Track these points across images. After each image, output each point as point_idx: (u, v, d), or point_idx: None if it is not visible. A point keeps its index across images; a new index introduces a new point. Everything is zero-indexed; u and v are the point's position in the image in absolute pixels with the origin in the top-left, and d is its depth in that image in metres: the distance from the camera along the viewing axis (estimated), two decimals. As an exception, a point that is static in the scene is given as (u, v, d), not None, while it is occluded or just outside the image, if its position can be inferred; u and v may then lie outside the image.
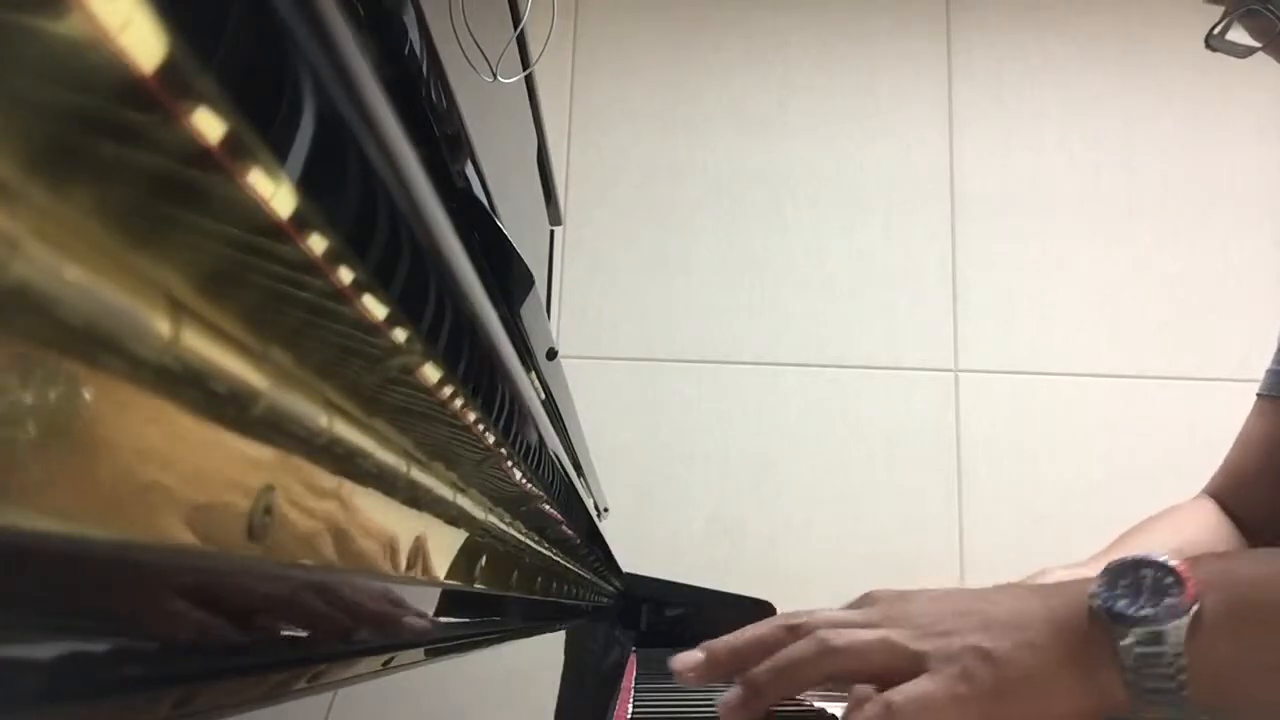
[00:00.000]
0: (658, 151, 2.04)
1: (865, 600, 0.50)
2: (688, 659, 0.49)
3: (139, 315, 0.14)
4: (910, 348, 1.99)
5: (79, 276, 0.12)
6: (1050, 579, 0.43)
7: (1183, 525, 0.82)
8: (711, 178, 2.04)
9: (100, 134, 0.12)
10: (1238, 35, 0.69)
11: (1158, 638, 0.41)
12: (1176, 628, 0.41)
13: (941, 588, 0.50)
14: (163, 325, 0.15)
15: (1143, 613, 0.42)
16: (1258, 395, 0.84)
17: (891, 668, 0.45)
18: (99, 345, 0.13)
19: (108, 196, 0.13)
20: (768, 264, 2.00)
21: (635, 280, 1.98)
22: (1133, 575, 0.43)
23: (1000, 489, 1.93)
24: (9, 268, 0.11)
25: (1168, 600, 0.42)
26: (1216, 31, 0.69)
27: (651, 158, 2.04)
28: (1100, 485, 1.91)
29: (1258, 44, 0.68)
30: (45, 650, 0.14)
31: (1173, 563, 0.43)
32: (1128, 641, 0.41)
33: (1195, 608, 0.41)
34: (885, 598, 0.50)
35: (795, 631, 0.47)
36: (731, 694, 0.47)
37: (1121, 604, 0.42)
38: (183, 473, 0.17)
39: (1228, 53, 0.69)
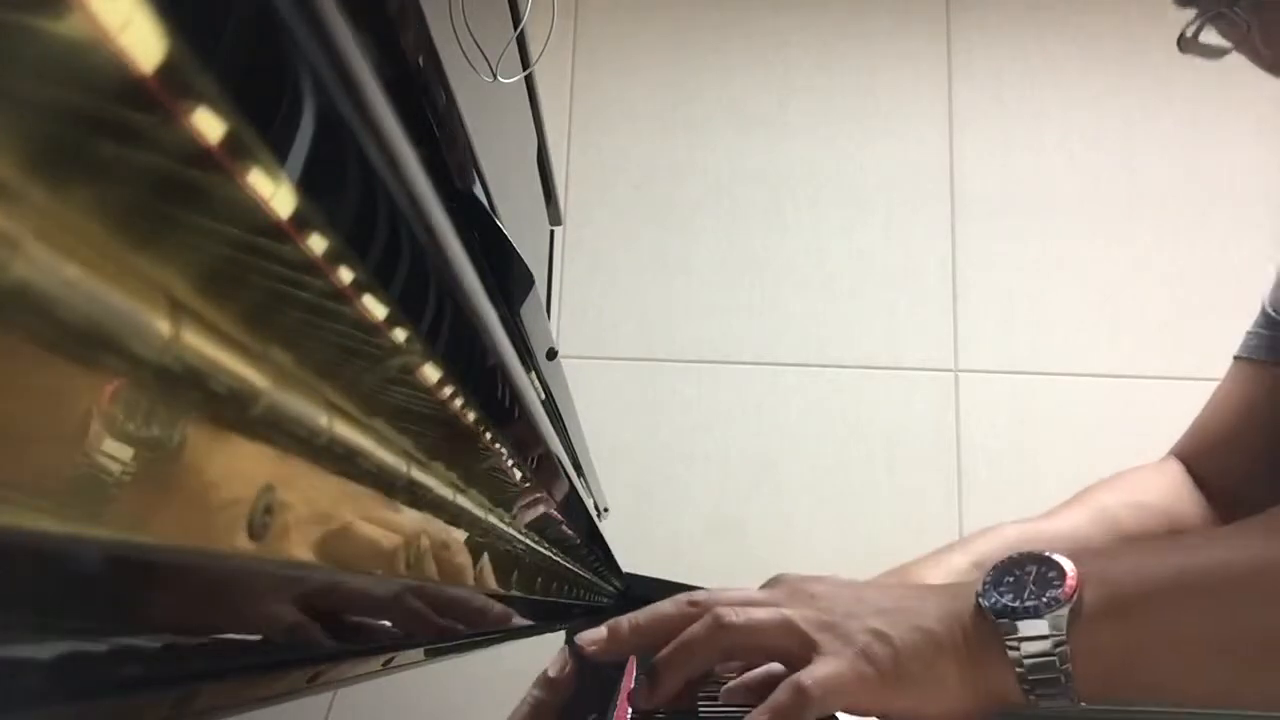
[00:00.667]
0: (658, 151, 2.04)
1: (773, 582, 0.51)
2: (591, 634, 0.50)
3: (139, 315, 0.14)
4: (910, 348, 1.99)
5: (79, 276, 0.12)
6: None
7: (1144, 487, 0.82)
8: (711, 178, 2.03)
9: (100, 134, 0.12)
10: (1209, 37, 0.68)
11: (1040, 629, 0.42)
12: (1057, 618, 0.42)
13: (848, 577, 0.51)
14: (162, 325, 0.15)
15: (1026, 605, 0.43)
16: (1235, 357, 0.84)
17: (787, 647, 0.45)
18: (98, 345, 0.13)
19: (108, 196, 0.13)
20: (768, 264, 2.00)
21: (635, 280, 1.98)
22: (1016, 571, 0.44)
23: (1000, 489, 1.93)
24: (9, 268, 0.11)
25: (1050, 593, 0.43)
26: (1188, 35, 0.69)
27: (651, 158, 2.04)
28: (1100, 485, 1.91)
29: (1229, 45, 0.68)
30: (45, 650, 0.14)
31: (1056, 556, 0.44)
32: (1014, 635, 0.42)
33: (1075, 599, 0.42)
34: (791, 580, 0.51)
35: (697, 608, 0.48)
36: (640, 681, 0.48)
37: (1006, 599, 0.43)
38: (182, 472, 0.17)
39: (1200, 55, 0.69)
